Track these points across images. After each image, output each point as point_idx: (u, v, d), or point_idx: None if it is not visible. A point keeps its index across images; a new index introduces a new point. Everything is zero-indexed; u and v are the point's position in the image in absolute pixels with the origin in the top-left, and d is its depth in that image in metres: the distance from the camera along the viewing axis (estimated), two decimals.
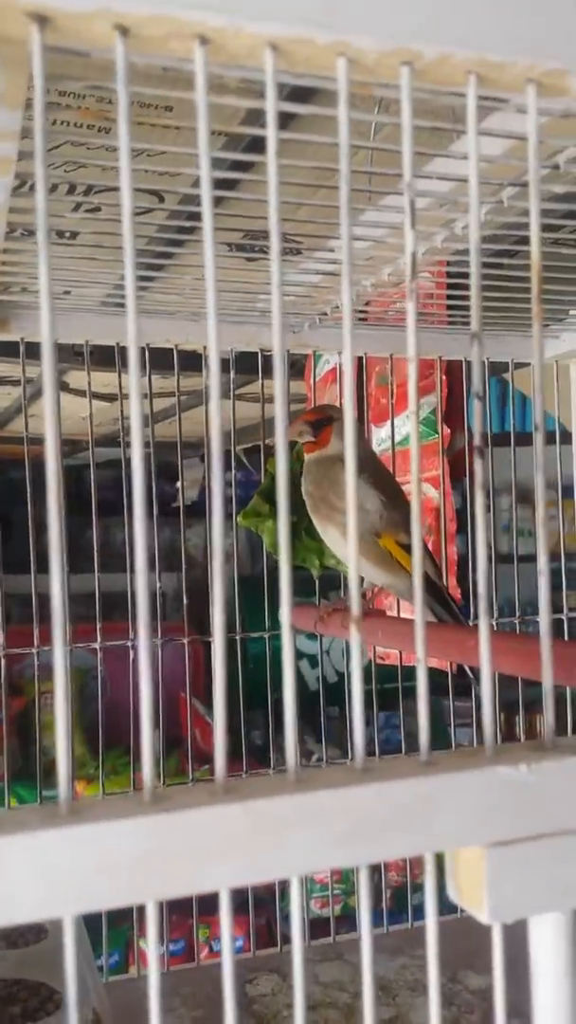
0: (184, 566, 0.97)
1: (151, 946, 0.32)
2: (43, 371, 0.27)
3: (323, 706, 1.10)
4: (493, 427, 1.36)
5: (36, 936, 0.69)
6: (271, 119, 0.30)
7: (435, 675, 1.01)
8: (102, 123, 0.64)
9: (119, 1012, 0.72)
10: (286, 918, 0.98)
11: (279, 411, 0.31)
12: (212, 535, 0.30)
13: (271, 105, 0.31)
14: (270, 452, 0.97)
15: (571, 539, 2.88)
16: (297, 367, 1.32)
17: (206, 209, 0.30)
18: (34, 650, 0.86)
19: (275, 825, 0.30)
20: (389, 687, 1.13)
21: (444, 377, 1.03)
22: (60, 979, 0.60)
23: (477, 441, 0.33)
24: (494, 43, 0.31)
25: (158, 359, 0.95)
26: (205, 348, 0.90)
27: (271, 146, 0.30)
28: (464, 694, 1.34)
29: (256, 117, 0.76)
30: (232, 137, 0.79)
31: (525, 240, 0.72)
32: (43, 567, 0.87)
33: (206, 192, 0.30)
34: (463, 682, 1.03)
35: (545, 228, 0.68)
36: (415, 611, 0.34)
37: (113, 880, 0.29)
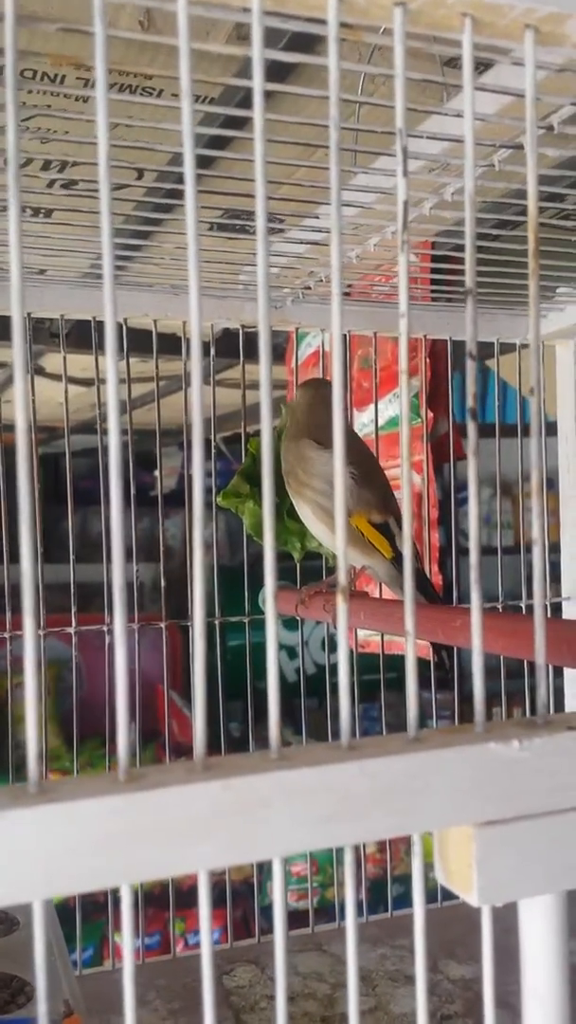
0: (162, 556, 0.95)
1: (125, 932, 0.30)
2: (11, 300, 0.26)
3: (303, 698, 1.08)
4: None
5: (8, 928, 0.67)
6: (256, 54, 0.28)
7: (418, 666, 1.00)
8: (79, 73, 0.62)
9: (93, 1004, 0.70)
10: (263, 911, 0.97)
11: (263, 391, 0.30)
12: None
13: (257, 44, 0.29)
14: (251, 435, 0.95)
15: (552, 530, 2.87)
16: (278, 351, 1.30)
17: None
18: (7, 634, 0.84)
19: (256, 804, 0.29)
20: (369, 678, 1.10)
21: (428, 359, 1.02)
22: (32, 971, 0.58)
23: (471, 403, 0.32)
24: None
25: (137, 342, 0.92)
26: (185, 327, 0.88)
27: (257, 77, 0.28)
28: (446, 687, 1.32)
29: (237, 93, 0.74)
30: (208, 115, 0.77)
31: (518, 211, 0.70)
32: (14, 556, 0.85)
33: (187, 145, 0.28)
34: (444, 676, 1.01)
35: (539, 200, 0.66)
36: (405, 589, 0.32)
37: (85, 862, 0.27)
